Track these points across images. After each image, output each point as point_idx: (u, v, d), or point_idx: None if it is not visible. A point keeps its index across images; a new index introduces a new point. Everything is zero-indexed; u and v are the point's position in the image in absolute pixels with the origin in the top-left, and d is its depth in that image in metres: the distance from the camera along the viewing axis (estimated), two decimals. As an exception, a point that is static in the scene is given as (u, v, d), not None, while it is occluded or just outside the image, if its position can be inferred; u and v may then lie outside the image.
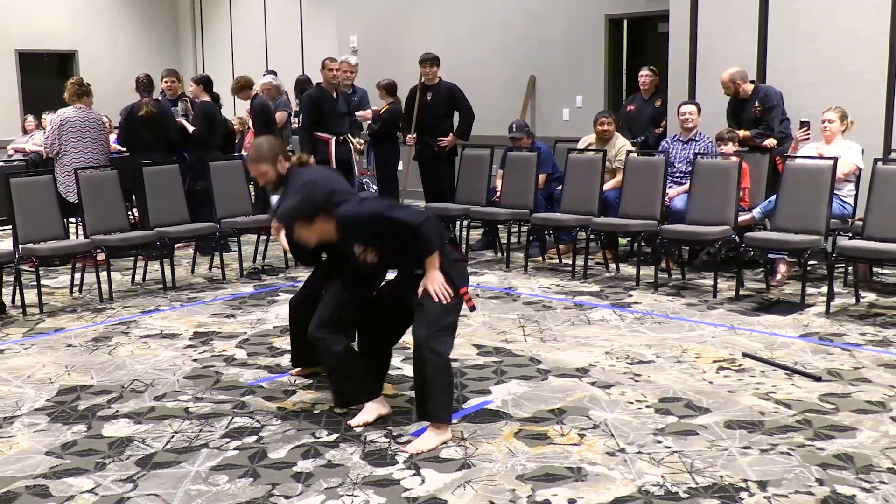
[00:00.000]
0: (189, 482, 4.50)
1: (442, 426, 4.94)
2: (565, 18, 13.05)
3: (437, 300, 4.87)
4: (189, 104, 11.24)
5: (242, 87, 11.61)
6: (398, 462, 4.67)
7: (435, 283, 4.90)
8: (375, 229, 4.97)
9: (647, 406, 5.41)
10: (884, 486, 4.28)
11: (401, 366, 6.30)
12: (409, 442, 4.93)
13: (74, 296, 8.78)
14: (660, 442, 4.85)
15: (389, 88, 12.42)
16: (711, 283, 8.31)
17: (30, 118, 15.97)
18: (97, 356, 6.75)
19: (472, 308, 5.16)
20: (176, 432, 5.18)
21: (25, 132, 15.82)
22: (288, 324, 6.20)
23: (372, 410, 5.29)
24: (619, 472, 4.46)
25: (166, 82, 11.56)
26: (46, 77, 18.99)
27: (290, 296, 6.30)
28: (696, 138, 9.43)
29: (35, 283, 8.30)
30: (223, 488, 4.42)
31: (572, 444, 4.85)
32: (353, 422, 5.22)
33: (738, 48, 9.88)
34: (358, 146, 10.82)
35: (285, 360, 6.41)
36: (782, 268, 8.53)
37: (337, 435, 5.05)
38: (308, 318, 5.56)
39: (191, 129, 10.84)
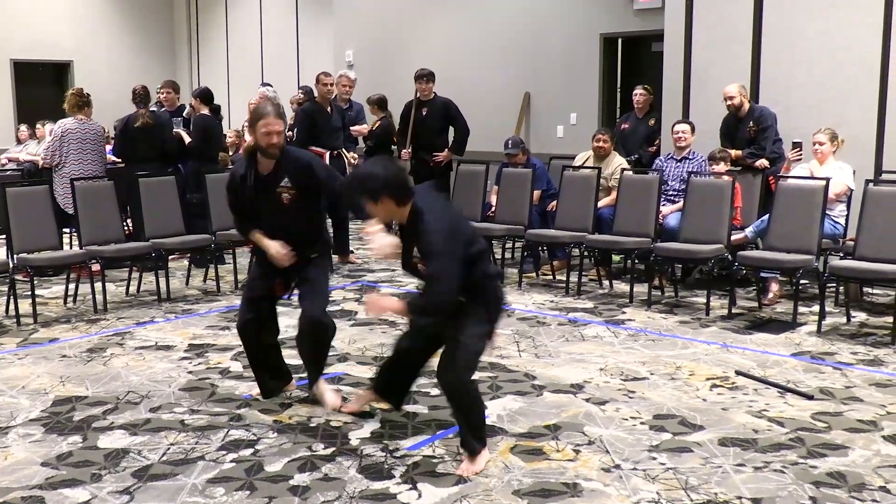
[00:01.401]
0: (186, 494, 4.51)
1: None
2: (561, 36, 13.12)
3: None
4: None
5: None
6: (395, 476, 4.69)
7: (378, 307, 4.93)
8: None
9: (642, 423, 5.45)
10: (876, 505, 4.34)
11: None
12: (404, 456, 4.96)
13: (69, 306, 8.75)
14: (654, 458, 4.89)
15: (381, 104, 12.49)
16: (704, 300, 8.36)
17: (23, 128, 15.95)
18: (92, 367, 6.74)
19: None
20: (172, 444, 5.18)
21: (19, 142, 15.81)
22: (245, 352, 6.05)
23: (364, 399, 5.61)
24: (615, 489, 4.50)
25: (163, 93, 11.59)
26: (42, 87, 19.00)
27: (289, 308, 6.32)
28: (690, 157, 9.48)
29: (29, 293, 8.30)
30: (220, 501, 4.43)
31: (568, 459, 4.89)
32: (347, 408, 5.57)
33: (732, 68, 9.95)
34: (352, 160, 10.86)
35: None
36: (774, 287, 8.59)
37: (333, 448, 5.07)
38: (263, 335, 5.86)
39: (188, 139, 10.86)
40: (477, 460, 4.81)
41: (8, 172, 12.68)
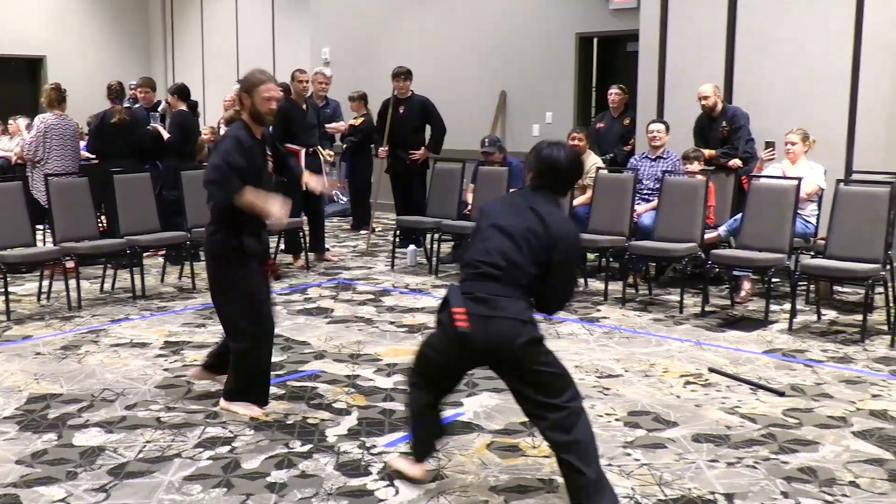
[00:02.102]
0: (162, 492, 4.51)
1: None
2: (537, 36, 13.17)
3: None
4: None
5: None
6: (372, 473, 4.72)
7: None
8: None
9: (617, 419, 5.51)
10: (846, 500, 4.41)
11: (373, 377, 6.36)
12: (383, 453, 4.99)
13: (42, 303, 8.72)
14: (629, 455, 4.95)
15: (363, 99, 12.54)
16: (678, 298, 8.44)
17: None
18: (66, 365, 6.72)
19: None
20: (148, 442, 5.18)
21: (4, 133, 15.64)
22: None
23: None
24: (590, 484, 4.55)
25: (142, 92, 11.56)
26: (14, 82, 18.86)
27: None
28: (664, 156, 9.56)
29: (2, 290, 8.22)
30: (197, 498, 4.44)
31: (544, 456, 4.92)
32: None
33: (706, 69, 10.04)
34: (328, 158, 10.88)
35: None
36: (746, 285, 8.67)
37: (311, 446, 5.09)
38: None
39: (166, 135, 10.84)
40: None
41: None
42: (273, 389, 5.93)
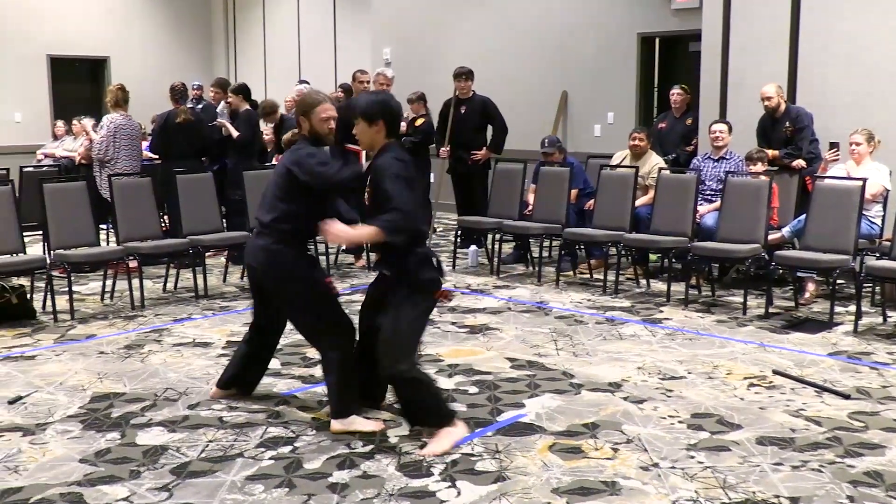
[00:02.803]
0: (225, 491, 4.54)
1: (447, 427, 5.16)
2: (598, 36, 13.13)
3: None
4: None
5: (269, 112, 11.58)
6: (433, 474, 4.73)
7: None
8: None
9: (680, 421, 5.49)
10: (913, 505, 4.37)
11: (434, 377, 6.33)
12: (443, 454, 5.00)
13: (106, 303, 8.81)
14: (693, 457, 4.93)
15: (422, 100, 12.57)
16: (741, 300, 8.37)
17: (60, 123, 15.92)
18: (130, 364, 6.80)
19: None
20: (210, 441, 5.22)
21: (56, 137, 15.83)
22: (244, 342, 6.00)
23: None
24: (654, 487, 4.54)
25: (212, 92, 11.65)
26: (77, 83, 19.04)
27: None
28: (727, 157, 9.50)
29: (67, 290, 8.34)
30: (259, 498, 4.47)
31: (606, 458, 4.93)
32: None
33: (768, 68, 9.94)
34: (389, 158, 10.90)
35: (319, 371, 6.30)
36: (811, 286, 8.60)
37: (372, 446, 5.10)
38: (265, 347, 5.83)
39: (235, 133, 10.90)
40: (440, 437, 5.08)
41: (45, 168, 12.74)
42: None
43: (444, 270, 5.32)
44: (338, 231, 5.09)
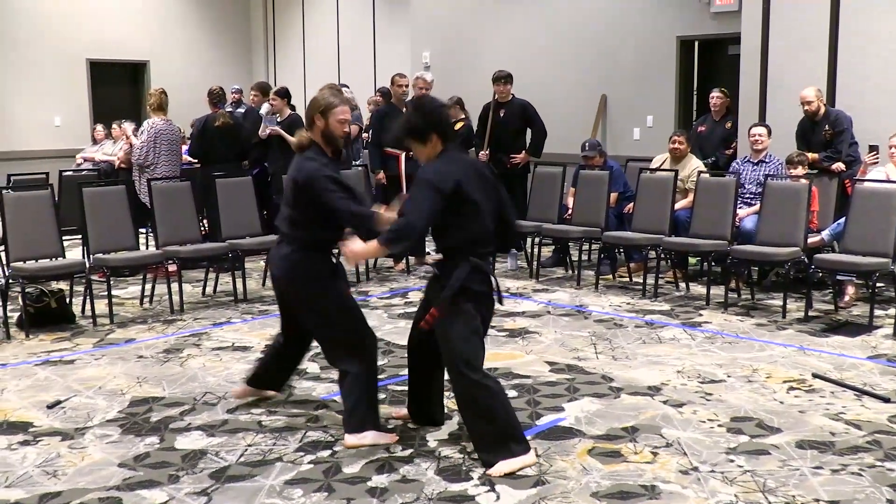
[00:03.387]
0: (264, 496, 4.56)
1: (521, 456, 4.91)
2: (637, 39, 13.10)
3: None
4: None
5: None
6: (472, 478, 4.73)
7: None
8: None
9: (720, 425, 5.46)
10: (955, 510, 4.33)
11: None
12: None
13: (145, 307, 8.85)
14: (732, 461, 4.91)
15: (460, 104, 12.60)
16: (780, 303, 8.32)
17: (99, 127, 15.95)
18: (169, 368, 6.83)
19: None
20: (249, 445, 5.24)
21: (95, 141, 15.88)
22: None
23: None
24: (693, 491, 4.53)
25: (253, 95, 11.70)
26: (117, 87, 19.10)
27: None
28: (766, 160, 9.45)
29: (106, 294, 8.36)
30: (298, 502, 4.48)
31: (646, 462, 4.92)
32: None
33: (808, 71, 9.88)
34: (427, 162, 10.91)
35: None
36: (850, 290, 8.53)
37: (411, 450, 5.12)
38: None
39: (290, 139, 10.88)
40: (511, 462, 4.84)
41: (84, 172, 12.82)
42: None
43: (497, 288, 5.13)
44: (354, 251, 5.01)
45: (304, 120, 10.98)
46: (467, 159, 5.23)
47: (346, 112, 5.43)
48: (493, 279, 5.07)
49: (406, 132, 5.05)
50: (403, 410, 5.64)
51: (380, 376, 6.19)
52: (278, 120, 11.00)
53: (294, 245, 5.34)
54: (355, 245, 4.97)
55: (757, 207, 9.00)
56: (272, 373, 5.95)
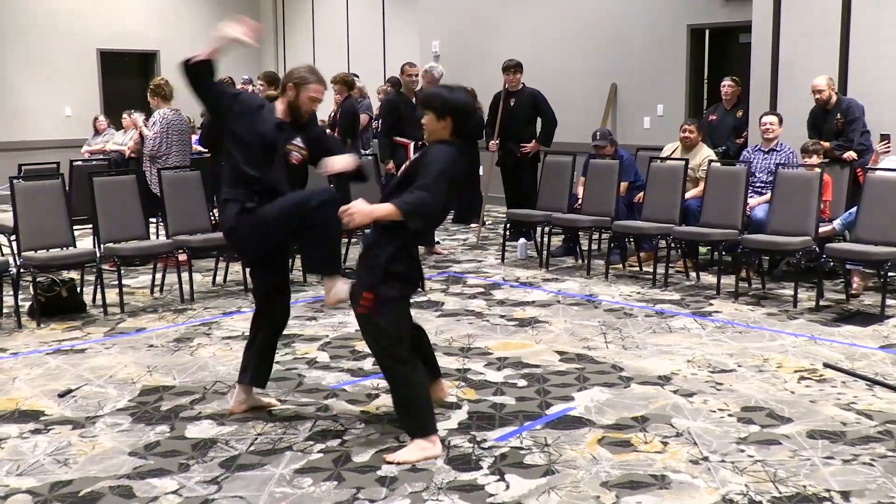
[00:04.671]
0: (273, 484, 4.57)
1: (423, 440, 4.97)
2: (648, 28, 13.07)
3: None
4: None
5: (344, 82, 11.56)
6: (482, 467, 4.73)
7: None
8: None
9: (730, 415, 5.45)
10: (967, 500, 4.31)
11: (483, 371, 6.38)
12: (492, 447, 5.01)
13: (155, 296, 8.86)
14: (743, 451, 4.90)
15: (473, 94, 12.58)
16: (791, 293, 8.30)
17: (101, 118, 15.98)
18: (179, 357, 6.85)
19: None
20: (259, 434, 5.25)
21: (97, 132, 15.88)
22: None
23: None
24: (703, 481, 4.52)
25: (261, 86, 11.70)
26: (127, 77, 19.09)
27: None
28: (777, 149, 9.42)
29: (116, 283, 8.38)
30: (308, 491, 4.49)
31: (656, 451, 4.91)
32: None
33: (819, 59, 9.84)
34: (438, 151, 10.90)
35: (368, 364, 6.44)
36: (857, 279, 8.49)
37: (422, 439, 5.14)
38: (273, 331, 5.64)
39: None
40: (412, 448, 4.92)
41: (94, 162, 12.82)
42: (384, 383, 5.73)
43: (421, 272, 5.15)
44: (363, 210, 4.80)
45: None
46: (463, 160, 5.19)
47: (321, 91, 5.44)
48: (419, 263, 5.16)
49: (431, 100, 5.04)
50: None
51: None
52: None
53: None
54: (363, 204, 4.80)
55: (768, 196, 8.98)
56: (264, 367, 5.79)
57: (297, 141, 5.50)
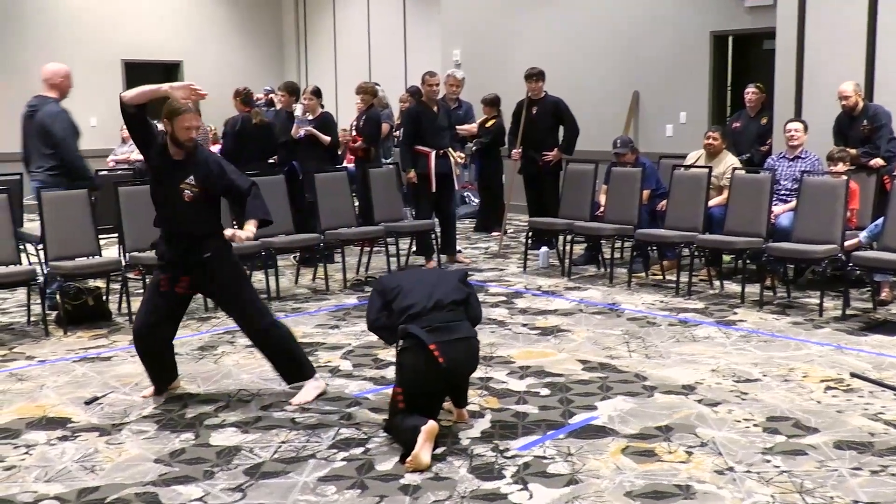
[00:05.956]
0: (297, 492, 4.57)
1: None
2: (670, 34, 13.03)
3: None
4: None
5: (368, 91, 11.59)
6: (505, 476, 4.71)
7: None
8: None
9: (755, 425, 5.41)
10: None
11: (505, 379, 6.36)
12: (515, 456, 4.99)
13: (180, 305, 8.91)
14: (769, 461, 4.86)
15: (495, 102, 12.58)
16: (817, 301, 8.23)
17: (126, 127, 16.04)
18: (203, 365, 6.88)
19: None
20: (283, 442, 5.26)
21: (124, 141, 15.91)
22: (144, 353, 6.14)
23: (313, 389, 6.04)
24: (729, 491, 4.48)
25: (282, 96, 11.71)
26: (151, 86, 19.24)
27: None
28: (802, 156, 9.36)
29: (142, 292, 8.29)
30: (331, 499, 4.49)
31: (680, 461, 4.88)
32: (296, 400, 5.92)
33: (845, 66, 9.79)
34: (458, 160, 10.91)
35: (390, 373, 6.39)
36: (885, 289, 8.42)
37: (444, 448, 5.09)
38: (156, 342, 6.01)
39: (325, 138, 10.88)
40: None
41: (119, 172, 12.85)
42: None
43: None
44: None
45: (331, 119, 11.02)
46: None
47: (190, 119, 5.74)
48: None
49: None
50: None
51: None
52: (309, 118, 10.99)
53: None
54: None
55: (793, 204, 8.93)
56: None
57: (190, 179, 5.83)
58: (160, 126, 6.06)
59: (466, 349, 5.24)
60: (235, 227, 6.28)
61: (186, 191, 5.81)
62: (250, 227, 5.90)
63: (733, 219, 8.98)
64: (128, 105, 5.78)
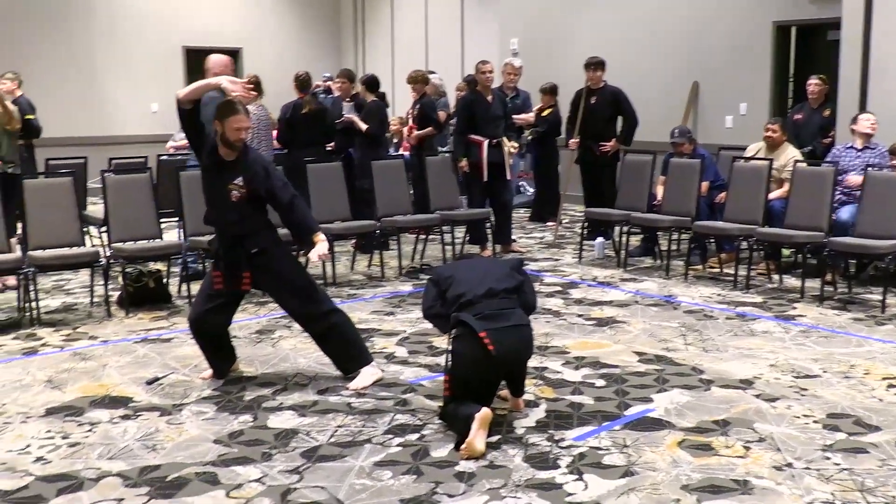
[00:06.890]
0: (353, 476, 4.61)
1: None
2: (731, 24, 12.90)
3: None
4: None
5: (419, 80, 11.61)
6: (560, 466, 4.71)
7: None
8: None
9: (815, 421, 5.35)
10: None
11: (560, 369, 6.34)
12: (570, 447, 4.98)
13: (238, 288, 8.98)
14: (828, 458, 4.80)
15: (552, 91, 12.52)
16: (879, 298, 8.12)
17: None
18: (261, 348, 6.95)
19: None
20: (339, 426, 5.30)
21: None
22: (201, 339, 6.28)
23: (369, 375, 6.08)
24: (787, 488, 4.44)
25: (338, 83, 11.74)
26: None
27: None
28: (871, 146, 9.21)
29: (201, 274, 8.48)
30: (387, 484, 4.52)
31: (738, 456, 4.84)
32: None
33: (913, 58, 9.64)
34: (512, 149, 10.87)
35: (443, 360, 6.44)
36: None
37: (499, 437, 5.10)
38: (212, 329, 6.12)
39: (363, 126, 10.94)
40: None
41: (178, 157, 12.94)
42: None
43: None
44: None
45: (375, 107, 11.05)
46: None
47: (242, 121, 5.90)
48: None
49: None
50: None
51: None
52: (351, 107, 11.09)
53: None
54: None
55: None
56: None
57: (238, 180, 5.98)
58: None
59: (519, 337, 5.22)
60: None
61: (234, 191, 5.96)
62: (322, 245, 6.09)
63: (794, 212, 8.87)
64: (184, 101, 5.90)
